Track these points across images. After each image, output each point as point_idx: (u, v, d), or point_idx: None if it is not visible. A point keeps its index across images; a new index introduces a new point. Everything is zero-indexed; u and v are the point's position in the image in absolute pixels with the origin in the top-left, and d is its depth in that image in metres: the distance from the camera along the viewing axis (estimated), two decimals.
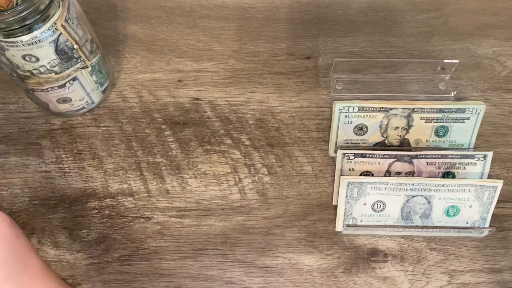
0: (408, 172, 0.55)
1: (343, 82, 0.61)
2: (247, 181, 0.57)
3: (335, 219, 0.54)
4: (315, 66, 0.64)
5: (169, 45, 0.65)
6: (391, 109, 0.55)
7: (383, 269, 0.52)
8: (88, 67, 0.53)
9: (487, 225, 0.54)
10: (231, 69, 0.63)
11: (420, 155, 0.54)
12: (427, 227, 0.54)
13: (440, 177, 0.55)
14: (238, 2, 0.68)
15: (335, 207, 0.54)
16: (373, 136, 0.57)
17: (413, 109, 0.55)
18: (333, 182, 0.56)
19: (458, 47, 0.65)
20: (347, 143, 0.57)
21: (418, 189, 0.52)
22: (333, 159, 0.57)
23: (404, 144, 0.57)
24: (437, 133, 0.57)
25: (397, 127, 0.57)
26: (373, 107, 0.55)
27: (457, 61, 0.60)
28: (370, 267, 0.53)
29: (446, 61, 0.62)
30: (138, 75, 0.63)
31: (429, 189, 0.52)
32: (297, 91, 0.62)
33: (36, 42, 0.46)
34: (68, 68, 0.51)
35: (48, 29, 0.47)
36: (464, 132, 0.57)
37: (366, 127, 0.56)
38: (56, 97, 0.54)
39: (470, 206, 0.53)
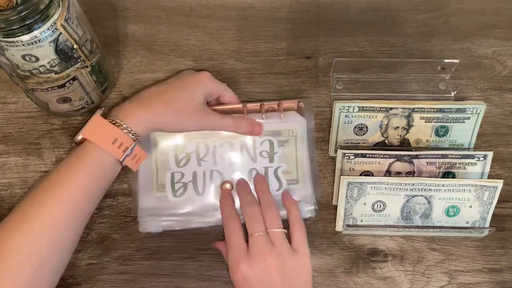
0: (408, 172, 0.55)
1: (343, 82, 0.61)
2: None
3: (335, 219, 0.54)
4: (315, 66, 0.64)
5: (169, 45, 0.65)
6: (391, 109, 0.55)
7: (383, 269, 0.52)
8: (88, 67, 0.53)
9: (487, 225, 0.54)
10: (231, 69, 0.63)
11: (420, 155, 0.54)
12: (427, 227, 0.54)
13: (440, 177, 0.55)
14: (238, 2, 0.68)
15: (335, 207, 0.54)
16: (373, 136, 0.57)
17: (413, 109, 0.55)
18: (333, 182, 0.56)
19: (458, 47, 0.65)
20: (347, 143, 0.57)
21: (418, 189, 0.52)
22: (333, 159, 0.57)
23: (404, 144, 0.57)
24: (437, 133, 0.57)
25: (397, 127, 0.57)
26: (373, 107, 0.55)
27: (457, 61, 0.60)
28: (370, 267, 0.52)
29: (446, 61, 0.62)
30: (138, 75, 0.63)
31: (429, 189, 0.52)
32: (297, 91, 0.62)
33: (36, 42, 0.46)
34: (68, 68, 0.51)
35: (48, 29, 0.47)
36: (464, 132, 0.57)
37: (366, 127, 0.56)
38: (56, 97, 0.54)
39: (470, 206, 0.53)
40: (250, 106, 0.56)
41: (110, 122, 0.47)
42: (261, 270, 0.45)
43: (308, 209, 0.53)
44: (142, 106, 0.49)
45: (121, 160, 0.47)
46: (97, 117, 0.47)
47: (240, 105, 0.55)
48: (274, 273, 0.45)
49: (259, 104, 0.56)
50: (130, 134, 0.47)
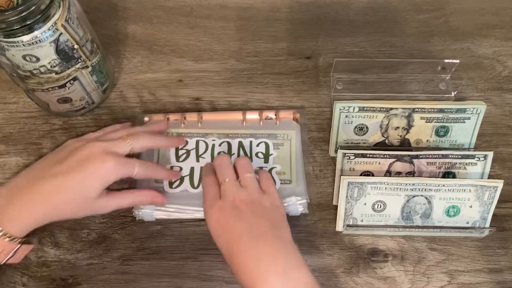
0: (408, 172, 0.55)
1: (344, 82, 0.62)
2: None
3: (336, 219, 0.54)
4: (316, 66, 0.64)
5: (169, 45, 0.65)
6: (391, 109, 0.55)
7: (383, 269, 0.52)
8: (88, 67, 0.53)
9: (487, 225, 0.54)
10: (232, 69, 0.63)
11: (420, 155, 0.54)
12: (428, 227, 0.54)
13: (441, 177, 0.55)
14: (238, 2, 0.68)
15: (336, 207, 0.54)
16: (374, 136, 0.57)
17: (414, 109, 0.55)
18: (334, 182, 0.56)
19: (459, 47, 0.65)
20: (347, 143, 0.57)
21: (419, 189, 0.52)
22: (334, 159, 0.57)
23: (404, 144, 0.57)
24: (437, 133, 0.57)
25: (398, 127, 0.57)
26: (374, 107, 0.55)
27: (457, 61, 0.60)
28: (371, 267, 0.52)
29: (446, 61, 0.62)
30: (139, 75, 0.63)
31: (429, 189, 0.52)
32: (298, 91, 0.62)
33: (37, 42, 0.46)
34: (68, 68, 0.51)
35: (49, 29, 0.47)
36: (465, 132, 0.57)
37: (367, 127, 0.56)
38: (57, 97, 0.54)
39: (471, 206, 0.53)
40: (249, 115, 0.58)
41: None
42: (231, 207, 0.46)
43: (300, 202, 0.54)
44: (25, 206, 0.43)
45: (1, 263, 0.43)
46: None
47: (240, 114, 0.58)
48: (244, 207, 0.45)
49: (257, 112, 0.58)
50: (11, 240, 0.42)
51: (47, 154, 0.49)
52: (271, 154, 0.56)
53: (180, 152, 0.56)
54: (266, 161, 0.56)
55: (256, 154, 0.56)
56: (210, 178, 0.50)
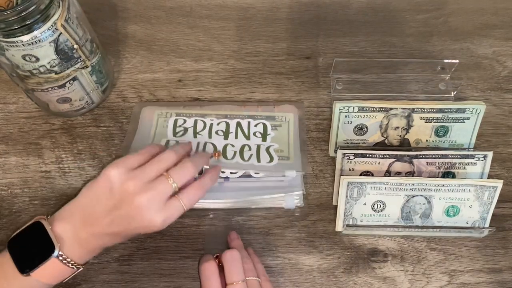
0: (408, 172, 0.55)
1: (343, 82, 0.62)
2: None
3: (335, 219, 0.54)
4: (315, 66, 0.64)
5: (169, 45, 0.65)
6: (391, 109, 0.55)
7: (383, 269, 0.52)
8: (88, 67, 0.53)
9: (487, 225, 0.54)
10: (231, 69, 0.63)
11: (420, 155, 0.54)
12: (427, 227, 0.54)
13: (440, 177, 0.55)
14: (238, 2, 0.68)
15: (335, 207, 0.54)
16: (373, 136, 0.57)
17: (413, 109, 0.55)
18: (333, 182, 0.56)
19: (458, 47, 0.65)
20: (347, 143, 0.57)
21: (418, 189, 0.52)
22: (333, 159, 0.57)
23: (404, 144, 0.58)
24: (437, 133, 0.57)
25: (397, 127, 0.57)
26: (373, 107, 0.55)
27: (457, 61, 0.61)
28: (370, 267, 0.53)
29: (446, 61, 0.62)
30: (138, 75, 0.63)
31: (429, 189, 0.52)
32: (297, 91, 0.62)
33: (36, 42, 0.46)
34: (68, 68, 0.51)
35: (48, 29, 0.47)
36: (464, 132, 0.57)
37: (366, 127, 0.56)
38: (56, 97, 0.54)
39: (470, 206, 0.53)
40: (248, 107, 0.59)
41: (66, 265, 0.43)
42: None
43: (296, 194, 0.54)
44: (89, 244, 0.45)
45: (62, 282, 0.45)
46: (54, 261, 0.43)
47: (241, 107, 0.59)
48: None
49: (256, 105, 0.60)
50: (72, 265, 0.44)
51: (94, 180, 0.45)
52: (269, 134, 0.57)
53: (178, 129, 0.57)
54: (264, 139, 0.57)
55: (254, 134, 0.57)
56: (212, 268, 0.45)
